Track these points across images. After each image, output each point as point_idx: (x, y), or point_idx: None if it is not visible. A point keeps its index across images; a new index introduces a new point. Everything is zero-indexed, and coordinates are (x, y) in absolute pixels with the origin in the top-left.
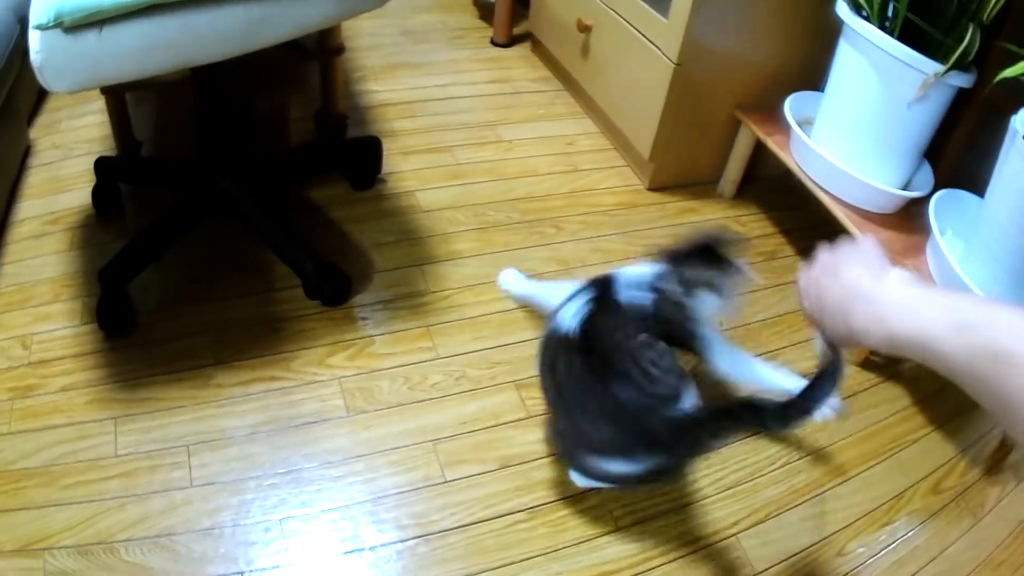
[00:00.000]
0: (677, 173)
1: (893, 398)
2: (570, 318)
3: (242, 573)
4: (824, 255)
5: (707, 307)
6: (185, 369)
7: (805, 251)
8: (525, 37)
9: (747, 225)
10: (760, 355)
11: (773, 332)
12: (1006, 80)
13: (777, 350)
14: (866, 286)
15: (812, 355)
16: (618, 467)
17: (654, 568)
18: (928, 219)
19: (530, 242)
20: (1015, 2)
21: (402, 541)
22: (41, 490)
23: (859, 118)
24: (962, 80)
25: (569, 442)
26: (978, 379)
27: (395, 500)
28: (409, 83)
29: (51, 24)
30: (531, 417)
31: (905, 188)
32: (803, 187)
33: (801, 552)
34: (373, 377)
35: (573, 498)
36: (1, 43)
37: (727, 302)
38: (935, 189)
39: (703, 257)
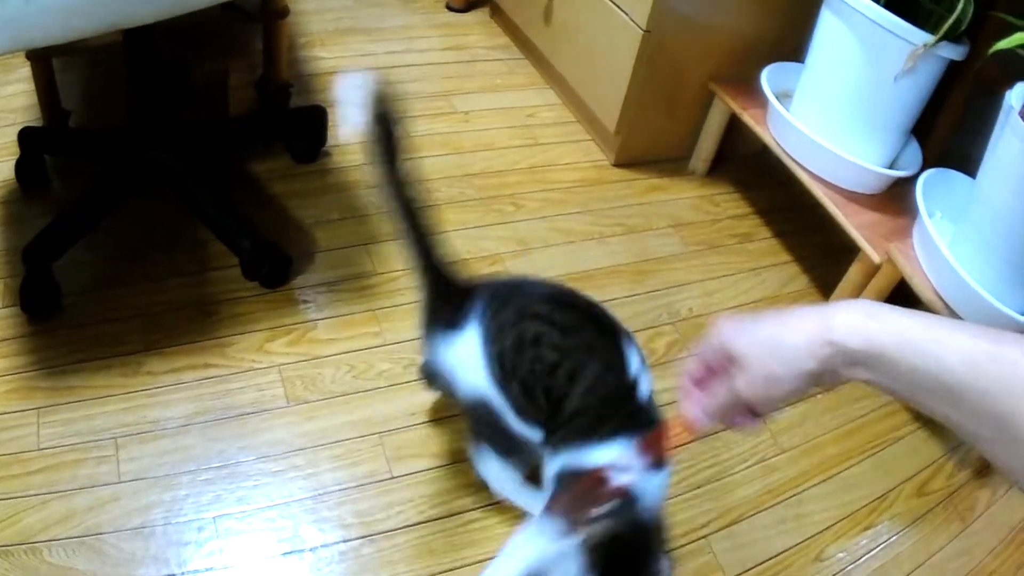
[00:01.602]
0: (645, 148)
1: (876, 393)
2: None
3: (174, 575)
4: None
5: None
6: (113, 355)
7: (782, 233)
8: (483, 2)
9: (720, 205)
10: None
11: None
12: (1000, 53)
13: None
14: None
15: None
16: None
17: None
18: (915, 200)
19: (486, 220)
20: None
21: (345, 541)
22: None
23: (842, 91)
24: (953, 52)
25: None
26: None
27: (338, 497)
28: (358, 50)
29: None
30: None
31: (891, 167)
32: (781, 165)
33: (776, 556)
34: (315, 364)
35: None
36: None
37: None
38: (923, 168)
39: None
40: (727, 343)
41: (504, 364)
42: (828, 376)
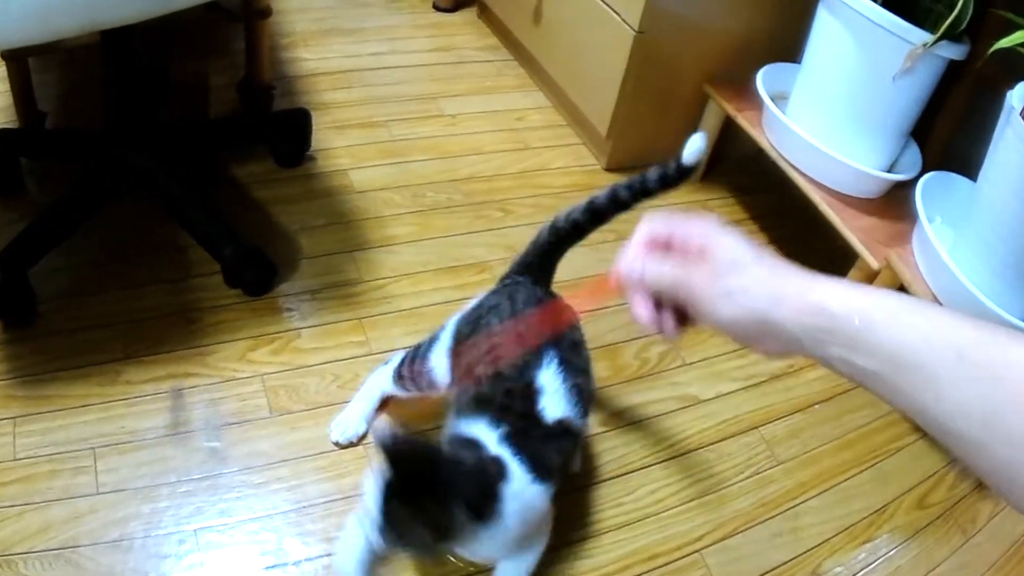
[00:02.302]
0: (637, 152)
1: (875, 402)
2: None
3: None
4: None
5: None
6: (91, 364)
7: (778, 239)
8: (471, 1)
9: (715, 210)
10: (731, 352)
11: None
12: (1001, 52)
13: (734, 351)
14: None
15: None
16: None
17: None
18: (915, 204)
19: (475, 227)
20: None
21: (329, 555)
22: None
23: (839, 93)
24: (953, 51)
25: None
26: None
27: (322, 510)
28: (342, 50)
29: None
30: None
31: (889, 170)
32: (777, 169)
33: (772, 571)
34: (299, 374)
35: None
36: None
37: None
38: (923, 172)
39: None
40: (709, 232)
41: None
42: (778, 338)
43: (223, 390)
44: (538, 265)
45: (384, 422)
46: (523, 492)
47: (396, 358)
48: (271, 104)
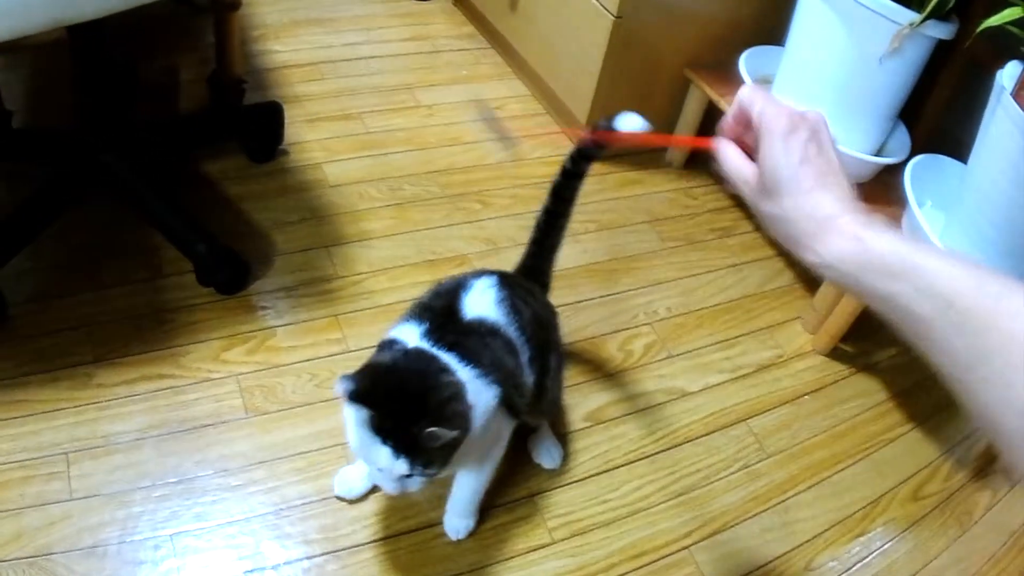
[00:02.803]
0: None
1: (867, 392)
2: None
3: None
4: (805, 114)
5: None
6: (62, 368)
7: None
8: None
9: (699, 198)
10: (718, 343)
11: (730, 318)
12: (991, 30)
13: (735, 338)
14: (853, 207)
15: (769, 344)
16: None
17: None
18: (904, 189)
19: (453, 219)
20: None
21: (308, 558)
22: None
23: (824, 76)
24: (941, 31)
25: None
26: (955, 326)
27: (301, 512)
28: (314, 41)
29: None
30: None
31: (877, 154)
32: None
33: (763, 567)
34: (275, 374)
35: (502, 507)
36: None
37: None
38: (912, 155)
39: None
40: (761, 132)
41: None
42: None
43: (197, 391)
44: (532, 267)
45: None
46: (478, 393)
47: None
48: (242, 98)
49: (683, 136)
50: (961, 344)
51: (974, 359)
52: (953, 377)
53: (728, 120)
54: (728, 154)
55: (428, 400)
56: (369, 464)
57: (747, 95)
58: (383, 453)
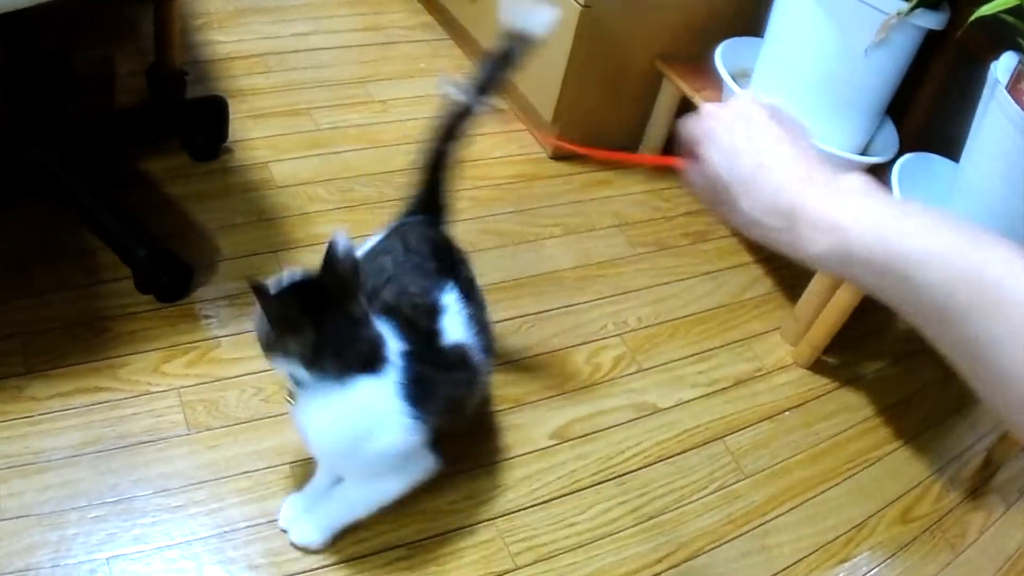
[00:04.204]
0: (586, 138)
1: (852, 407)
2: None
3: None
4: (737, 108)
5: None
6: None
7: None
8: None
9: (671, 201)
10: (692, 356)
11: (705, 329)
12: (984, 20)
13: (711, 350)
14: (814, 182)
15: (747, 356)
16: None
17: None
18: (891, 189)
19: None
20: None
21: None
22: None
23: (806, 69)
24: (931, 20)
25: None
26: (957, 316)
27: (246, 535)
28: (260, 31)
29: None
30: None
31: (863, 152)
32: None
33: None
34: (218, 387)
35: (461, 531)
36: None
37: None
38: (900, 153)
39: None
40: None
41: None
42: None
43: (136, 405)
44: (427, 199)
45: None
46: (386, 408)
47: None
48: (183, 92)
49: (647, 155)
50: (971, 331)
51: (987, 343)
52: (963, 362)
53: (687, 145)
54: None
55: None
56: None
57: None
58: None
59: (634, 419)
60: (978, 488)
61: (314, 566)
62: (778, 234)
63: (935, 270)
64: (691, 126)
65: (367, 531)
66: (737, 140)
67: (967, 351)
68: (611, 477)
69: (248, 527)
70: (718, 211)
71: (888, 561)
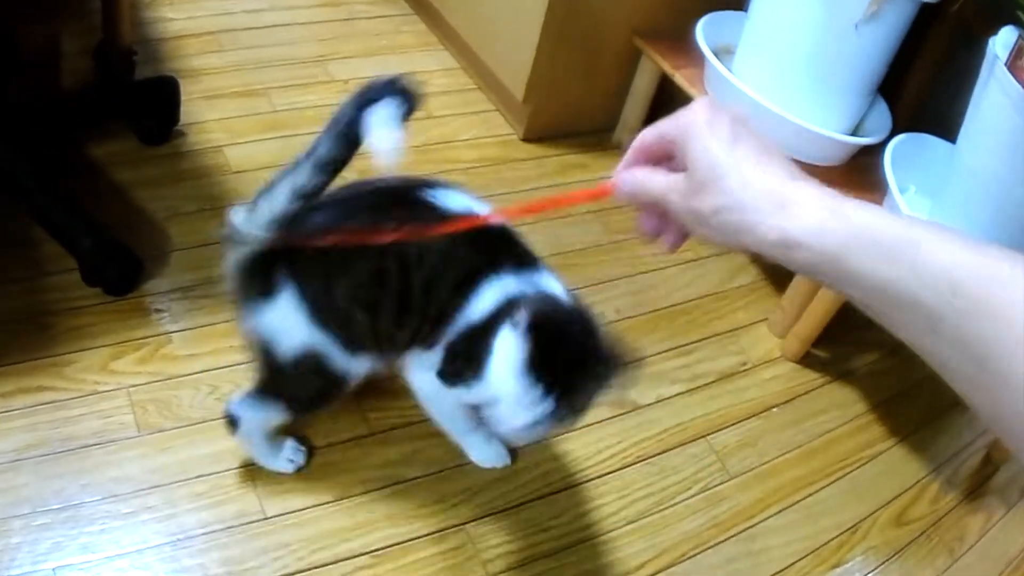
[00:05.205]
0: (560, 119)
1: (843, 403)
2: None
3: None
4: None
5: None
6: None
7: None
8: None
9: None
10: (674, 349)
11: (687, 320)
12: None
13: (693, 343)
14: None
15: (732, 349)
16: None
17: None
18: (884, 172)
19: None
20: None
21: None
22: None
23: (793, 45)
24: None
25: None
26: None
27: (201, 542)
28: (213, 7)
29: None
30: (374, 435)
31: (854, 133)
32: None
33: None
34: (171, 386)
35: (429, 537)
36: None
37: None
38: (893, 134)
39: None
40: (683, 137)
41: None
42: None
43: (83, 406)
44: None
45: None
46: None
47: None
48: (133, 72)
49: (577, 192)
50: (970, 337)
51: (985, 353)
52: (958, 375)
53: (630, 161)
54: (639, 174)
55: None
56: None
57: (660, 128)
58: None
59: (612, 417)
60: (977, 488)
61: (275, 574)
62: (760, 214)
63: (943, 260)
64: (672, 125)
65: (330, 537)
66: (729, 128)
67: (967, 357)
68: (589, 479)
69: (204, 534)
70: (678, 202)
71: (883, 566)
